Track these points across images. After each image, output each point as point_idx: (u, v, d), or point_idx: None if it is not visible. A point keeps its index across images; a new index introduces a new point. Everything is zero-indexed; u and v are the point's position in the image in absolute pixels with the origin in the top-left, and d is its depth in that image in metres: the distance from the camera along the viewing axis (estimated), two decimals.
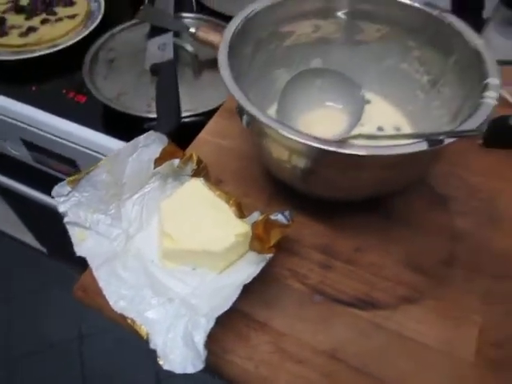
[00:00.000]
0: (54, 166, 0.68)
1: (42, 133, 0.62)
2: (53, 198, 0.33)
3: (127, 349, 1.06)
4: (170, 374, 0.28)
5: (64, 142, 0.61)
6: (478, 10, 0.43)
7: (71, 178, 0.33)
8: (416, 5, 0.40)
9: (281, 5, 0.40)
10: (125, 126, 0.56)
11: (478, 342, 0.33)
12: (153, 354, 0.28)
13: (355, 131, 0.42)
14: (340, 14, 0.42)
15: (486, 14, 0.53)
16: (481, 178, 0.42)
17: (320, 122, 0.43)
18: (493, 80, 0.32)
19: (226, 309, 0.28)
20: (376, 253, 0.37)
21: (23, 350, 1.09)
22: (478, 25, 0.44)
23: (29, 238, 1.17)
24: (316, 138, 0.29)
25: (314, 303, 0.34)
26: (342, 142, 0.39)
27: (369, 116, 0.43)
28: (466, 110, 0.34)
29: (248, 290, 0.32)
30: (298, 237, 0.38)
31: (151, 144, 0.36)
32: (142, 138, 0.35)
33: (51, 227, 0.96)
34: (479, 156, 0.42)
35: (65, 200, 0.34)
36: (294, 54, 0.44)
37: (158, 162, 0.36)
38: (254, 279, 0.32)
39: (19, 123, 0.63)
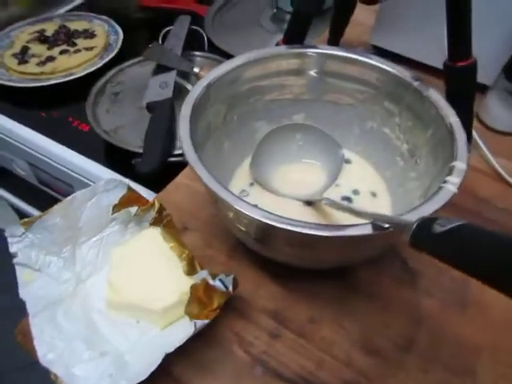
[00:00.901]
0: (55, 188, 0.70)
1: (44, 158, 0.64)
2: (5, 237, 0.33)
3: None
4: None
5: (63, 168, 0.62)
6: (469, 83, 0.41)
7: (25, 220, 0.34)
8: (396, 73, 0.39)
9: (261, 61, 0.40)
10: (120, 159, 0.57)
11: None
12: None
13: (330, 191, 0.41)
14: (323, 74, 0.42)
15: (487, 81, 0.51)
16: None
17: (296, 176, 0.43)
18: (459, 164, 0.30)
19: (143, 378, 0.27)
20: (330, 326, 0.35)
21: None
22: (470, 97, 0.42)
23: None
24: (261, 211, 0.28)
25: (253, 376, 0.32)
26: (305, 203, 0.38)
27: (347, 176, 0.42)
28: (434, 190, 0.32)
29: (185, 350, 0.31)
30: (252, 297, 0.36)
31: (113, 189, 0.36)
32: (101, 183, 0.36)
33: None
34: None
35: (18, 241, 0.34)
36: (276, 108, 0.43)
37: (117, 207, 0.36)
38: (196, 339, 0.31)
39: (25, 147, 0.65)
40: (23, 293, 0.33)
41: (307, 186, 0.41)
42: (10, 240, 0.34)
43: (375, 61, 0.40)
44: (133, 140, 0.58)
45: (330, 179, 0.42)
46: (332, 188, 0.41)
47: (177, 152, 0.55)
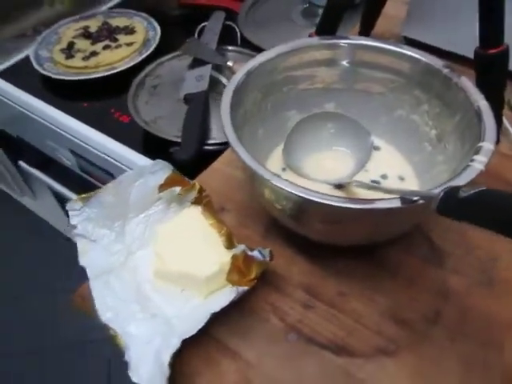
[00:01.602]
0: (95, 175, 0.74)
1: (86, 146, 0.69)
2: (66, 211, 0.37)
3: None
4: None
5: (105, 156, 0.67)
6: (501, 70, 0.42)
7: (82, 196, 0.37)
8: (427, 61, 0.41)
9: (292, 53, 0.43)
10: (159, 148, 0.61)
11: None
12: None
13: (359, 176, 0.43)
14: (354, 64, 0.44)
15: None
16: (484, 236, 0.41)
17: (326, 163, 0.45)
18: (486, 144, 0.32)
19: (192, 333, 0.30)
20: (359, 300, 0.37)
21: (59, 344, 1.17)
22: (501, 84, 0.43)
23: None
24: (298, 187, 0.31)
25: (288, 341, 0.35)
26: (336, 187, 0.41)
27: (376, 162, 0.44)
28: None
29: (227, 318, 0.35)
30: (285, 273, 0.39)
31: (158, 171, 0.39)
32: (149, 165, 0.39)
33: None
34: None
35: (77, 214, 0.38)
36: (307, 97, 0.46)
37: (163, 187, 0.39)
38: (235, 308, 0.34)
39: (69, 135, 0.70)
40: (82, 260, 0.37)
41: (337, 172, 0.44)
42: (70, 213, 0.38)
43: (406, 50, 0.41)
44: (170, 130, 0.61)
45: (359, 165, 0.44)
46: (361, 173, 0.43)
47: (211, 141, 0.58)
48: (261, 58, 0.41)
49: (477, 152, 0.32)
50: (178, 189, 0.39)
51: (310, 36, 0.47)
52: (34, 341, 1.18)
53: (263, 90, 0.43)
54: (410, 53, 0.41)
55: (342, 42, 0.43)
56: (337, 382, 0.33)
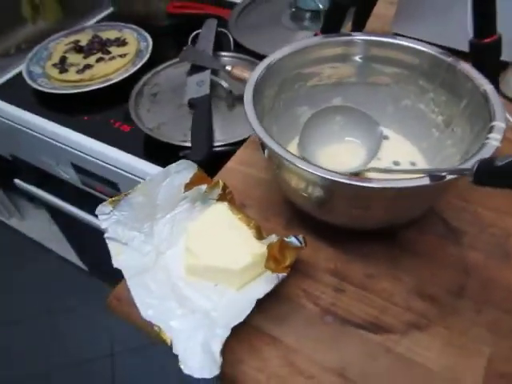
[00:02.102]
0: (98, 188, 0.74)
1: (89, 158, 0.69)
2: (96, 216, 0.38)
3: (156, 367, 1.09)
4: None
5: (109, 166, 0.67)
6: (495, 58, 0.45)
7: (112, 199, 0.38)
8: (431, 52, 0.43)
9: (304, 50, 0.45)
10: (163, 154, 0.62)
11: (485, 372, 0.34)
12: (179, 374, 0.31)
13: (372, 164, 0.45)
14: (360, 58, 0.46)
15: (508, 58, 0.55)
16: (494, 213, 0.43)
17: (339, 154, 0.47)
18: (498, 123, 0.35)
19: (240, 320, 0.31)
20: (387, 280, 0.39)
21: (58, 364, 1.15)
22: (496, 70, 0.46)
23: (72, 256, 1.25)
24: (328, 171, 0.33)
25: (324, 323, 0.36)
26: (352, 175, 0.42)
27: (386, 151, 0.46)
28: (475, 151, 0.36)
29: (263, 306, 0.36)
30: (313, 260, 0.40)
31: (182, 171, 0.40)
32: (174, 165, 0.40)
33: (93, 246, 1.04)
34: (492, 192, 0.44)
35: (106, 218, 0.38)
36: (316, 93, 0.48)
37: (188, 186, 0.40)
38: (270, 297, 0.35)
39: (71, 149, 0.70)
40: (116, 263, 0.37)
41: (351, 162, 0.45)
42: (100, 217, 0.38)
43: (410, 42, 0.44)
44: (175, 135, 0.62)
45: (371, 154, 0.46)
46: (374, 161, 0.45)
47: (216, 144, 0.59)
48: (274, 56, 0.43)
49: (490, 131, 0.35)
50: (204, 187, 0.40)
51: (316, 35, 0.49)
52: (38, 363, 1.15)
53: (276, 87, 0.44)
54: (413, 45, 0.44)
55: (347, 38, 0.45)
56: (378, 358, 0.34)
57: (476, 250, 0.41)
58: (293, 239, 0.34)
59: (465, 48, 0.46)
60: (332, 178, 0.32)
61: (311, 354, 0.35)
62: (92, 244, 0.99)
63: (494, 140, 0.33)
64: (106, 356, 1.17)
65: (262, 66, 0.42)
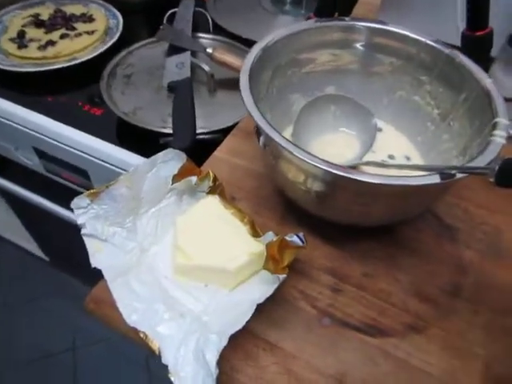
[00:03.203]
0: (65, 175, 0.69)
1: (55, 143, 0.63)
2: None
3: (121, 360, 1.05)
4: None
5: (77, 152, 0.62)
6: (486, 50, 0.45)
7: (91, 191, 0.34)
8: (428, 42, 0.42)
9: (300, 34, 0.42)
10: (139, 140, 0.57)
11: (481, 375, 0.33)
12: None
13: (366, 157, 0.43)
14: (356, 45, 0.44)
15: (493, 53, 0.55)
16: (485, 211, 0.43)
17: (333, 146, 0.44)
18: (502, 120, 0.33)
19: (239, 327, 0.29)
20: (384, 279, 0.37)
21: (20, 358, 1.08)
22: (486, 63, 0.45)
23: (31, 246, 1.17)
24: (331, 164, 0.30)
25: (322, 326, 0.34)
26: (356, 168, 0.40)
27: (380, 144, 0.45)
28: (475, 147, 0.35)
29: (258, 309, 0.33)
30: (308, 258, 0.38)
31: (169, 161, 0.37)
32: (160, 154, 0.36)
33: (57, 236, 0.97)
34: (484, 190, 0.43)
35: (83, 212, 0.34)
36: (310, 81, 0.45)
37: (176, 178, 0.37)
38: (266, 298, 0.33)
39: (33, 132, 0.64)
40: (94, 262, 0.33)
41: (345, 154, 0.43)
42: (76, 212, 0.34)
43: (406, 31, 0.42)
44: (153, 120, 0.58)
45: (366, 147, 0.44)
46: (368, 154, 0.43)
47: (199, 131, 0.56)
48: (267, 39, 0.40)
49: (494, 128, 0.34)
50: (194, 178, 0.37)
51: (309, 19, 0.46)
52: None
53: (270, 72, 0.41)
54: (410, 34, 0.42)
55: (349, 23, 0.42)
56: (378, 363, 0.33)
57: (470, 248, 0.40)
58: (295, 238, 0.32)
59: (452, 41, 0.44)
60: (341, 174, 0.29)
61: (310, 359, 0.33)
62: (56, 235, 0.93)
63: (499, 137, 0.32)
64: (67, 349, 1.11)
65: (257, 48, 0.39)
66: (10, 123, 0.65)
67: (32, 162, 0.71)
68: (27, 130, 0.64)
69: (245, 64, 0.37)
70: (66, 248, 0.98)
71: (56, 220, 0.76)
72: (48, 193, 0.77)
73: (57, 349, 1.11)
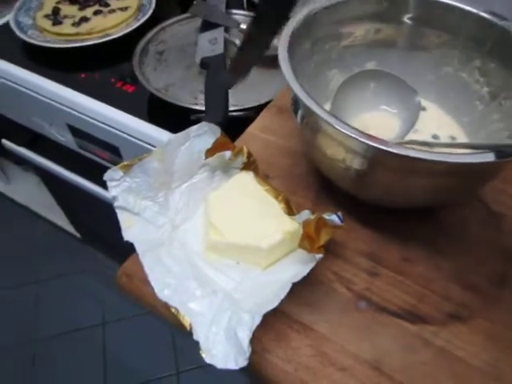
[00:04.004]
0: (97, 152, 0.69)
1: (88, 119, 0.63)
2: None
3: (148, 338, 1.07)
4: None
5: (109, 128, 0.62)
6: None
7: (124, 164, 0.33)
8: (481, 13, 0.38)
9: (342, 6, 0.39)
10: (170, 117, 0.57)
11: None
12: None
13: (409, 137, 0.41)
14: (402, 18, 0.41)
15: None
16: None
17: (372, 125, 0.42)
18: None
19: (273, 306, 0.28)
20: (425, 265, 0.36)
21: (50, 332, 1.12)
22: None
23: (63, 222, 1.20)
24: (375, 138, 0.29)
25: (358, 310, 0.33)
26: (403, 144, 0.38)
27: (423, 123, 0.42)
28: None
29: (291, 290, 0.32)
30: (343, 240, 0.37)
31: (203, 135, 0.36)
32: (194, 128, 0.35)
33: (88, 213, 0.99)
34: None
35: (116, 184, 0.34)
36: (348, 56, 0.43)
37: (209, 153, 0.36)
38: (301, 278, 0.31)
39: (67, 108, 0.64)
40: (127, 235, 0.33)
41: (386, 134, 0.41)
42: (109, 184, 0.33)
43: (455, 1, 0.39)
44: (185, 97, 0.57)
45: (407, 125, 0.42)
46: (410, 134, 0.41)
47: (230, 108, 0.54)
48: (311, 8, 0.38)
49: None
50: (227, 153, 0.36)
51: None
52: (25, 332, 1.12)
53: (308, 45, 0.39)
54: (460, 5, 0.39)
55: None
56: (416, 351, 0.31)
57: None
58: (334, 217, 0.30)
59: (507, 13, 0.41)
60: (385, 149, 0.28)
61: (344, 343, 0.31)
62: (88, 211, 0.95)
63: None
64: (97, 325, 1.14)
65: (296, 18, 0.37)
66: (45, 99, 0.66)
67: (65, 138, 0.72)
68: (61, 107, 0.65)
69: (283, 37, 0.36)
70: (97, 225, 0.99)
71: (87, 196, 0.77)
72: (80, 169, 0.78)
73: (86, 323, 1.14)
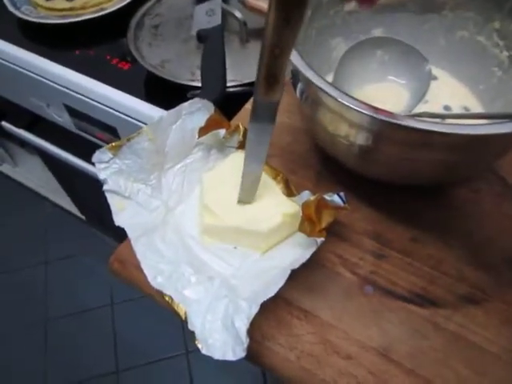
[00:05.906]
0: (95, 133, 0.67)
1: (84, 98, 0.61)
2: (93, 164, 0.31)
3: (157, 318, 1.07)
4: None
5: (106, 108, 0.59)
6: None
7: (113, 144, 0.31)
8: None
9: None
10: (167, 94, 0.54)
11: None
12: (182, 323, 0.26)
13: (418, 109, 0.38)
14: None
15: None
16: None
17: (379, 97, 0.39)
18: None
19: (271, 294, 0.26)
20: (434, 245, 0.33)
21: (59, 312, 1.13)
22: None
23: (68, 204, 1.19)
24: (384, 111, 0.26)
25: (364, 295, 0.31)
26: (410, 116, 0.36)
27: (434, 93, 0.39)
28: None
29: (292, 274, 0.30)
30: (347, 221, 0.35)
31: (196, 112, 0.34)
32: (186, 104, 0.33)
33: (90, 195, 0.98)
34: None
35: (106, 167, 0.32)
36: (353, 22, 0.40)
37: (203, 131, 0.34)
38: (300, 264, 0.30)
39: (62, 88, 0.62)
40: (118, 220, 0.31)
41: (394, 105, 0.38)
42: (97, 166, 0.32)
43: None
44: (182, 73, 0.54)
45: (417, 96, 0.39)
46: (420, 105, 0.38)
47: (229, 84, 0.52)
48: None
49: None
50: (222, 131, 0.33)
51: None
52: (35, 312, 1.13)
53: (309, 12, 0.36)
54: None
55: None
56: (426, 336, 0.29)
57: None
58: (335, 198, 0.28)
59: None
60: (391, 121, 0.25)
61: (349, 330, 0.30)
62: (90, 194, 0.94)
63: None
64: (105, 305, 1.14)
65: None
66: (39, 78, 0.64)
67: (63, 119, 0.70)
68: (56, 86, 0.63)
69: None
70: (99, 206, 0.98)
71: (87, 178, 0.75)
72: (80, 151, 0.76)
73: (95, 304, 1.15)
